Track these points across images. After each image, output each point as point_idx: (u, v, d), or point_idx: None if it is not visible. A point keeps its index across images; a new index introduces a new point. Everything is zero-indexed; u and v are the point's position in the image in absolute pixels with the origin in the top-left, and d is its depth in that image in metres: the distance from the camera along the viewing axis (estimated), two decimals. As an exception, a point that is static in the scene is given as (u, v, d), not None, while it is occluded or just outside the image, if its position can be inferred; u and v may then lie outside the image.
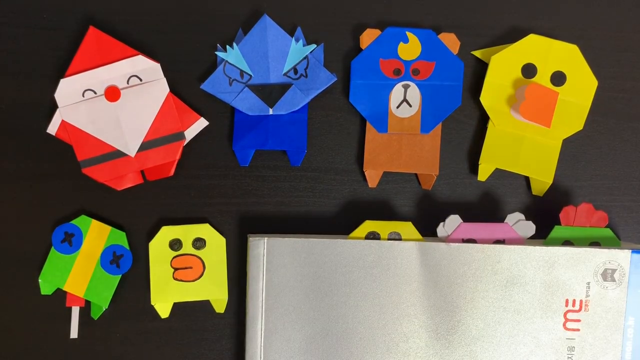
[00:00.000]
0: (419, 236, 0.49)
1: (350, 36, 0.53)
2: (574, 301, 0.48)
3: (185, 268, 0.51)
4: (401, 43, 0.51)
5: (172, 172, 0.51)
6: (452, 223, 0.49)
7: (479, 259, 0.48)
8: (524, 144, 0.51)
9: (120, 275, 0.51)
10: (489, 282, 0.48)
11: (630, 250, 0.47)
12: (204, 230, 0.51)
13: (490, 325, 0.48)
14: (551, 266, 0.48)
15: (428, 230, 0.50)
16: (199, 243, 0.51)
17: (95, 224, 0.51)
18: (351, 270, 0.48)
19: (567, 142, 0.52)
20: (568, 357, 0.48)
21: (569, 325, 0.48)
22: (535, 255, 0.48)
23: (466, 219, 0.49)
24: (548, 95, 0.49)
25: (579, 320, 0.48)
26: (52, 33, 0.52)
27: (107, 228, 0.51)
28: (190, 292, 0.51)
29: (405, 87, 0.51)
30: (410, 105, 0.51)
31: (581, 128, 0.51)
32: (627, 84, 0.53)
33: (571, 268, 0.48)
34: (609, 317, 0.48)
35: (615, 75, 0.53)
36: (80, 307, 0.51)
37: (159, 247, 0.51)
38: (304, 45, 0.51)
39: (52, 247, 0.51)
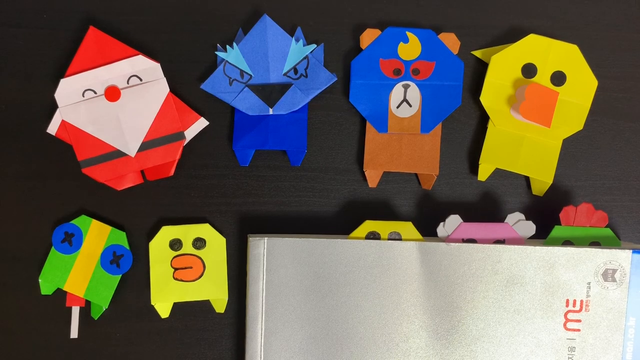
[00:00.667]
0: (419, 236, 0.49)
1: (350, 36, 0.53)
2: (574, 301, 0.48)
3: (185, 268, 0.51)
4: (401, 43, 0.51)
5: (172, 172, 0.51)
6: (452, 223, 0.49)
7: (479, 259, 0.48)
8: (524, 144, 0.51)
9: (120, 275, 0.51)
10: (489, 282, 0.48)
11: (631, 251, 0.47)
12: (204, 230, 0.51)
13: (490, 325, 0.48)
14: (551, 266, 0.48)
15: (428, 230, 0.50)
16: (199, 243, 0.51)
17: (95, 224, 0.51)
18: (351, 270, 0.48)
19: (567, 142, 0.52)
20: (569, 357, 0.48)
21: (570, 325, 0.48)
22: (535, 255, 0.48)
23: (466, 219, 0.49)
24: (548, 95, 0.49)
25: (579, 321, 0.48)
26: (52, 33, 0.52)
27: (107, 228, 0.51)
28: (190, 292, 0.51)
29: (405, 87, 0.51)
30: (410, 105, 0.51)
31: (581, 128, 0.51)
32: (627, 84, 0.53)
33: (572, 268, 0.48)
34: (610, 317, 0.48)
35: (615, 75, 0.53)
36: (80, 307, 0.51)
37: (159, 247, 0.51)
38: (304, 45, 0.51)
39: (52, 247, 0.51)
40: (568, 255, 0.48)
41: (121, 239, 0.51)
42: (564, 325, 0.48)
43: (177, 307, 0.52)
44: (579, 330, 0.48)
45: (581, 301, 0.48)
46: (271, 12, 0.52)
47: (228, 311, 0.52)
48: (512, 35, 0.52)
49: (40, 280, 0.51)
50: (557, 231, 0.49)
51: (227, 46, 0.51)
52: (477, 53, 0.53)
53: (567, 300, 0.48)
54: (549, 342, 0.48)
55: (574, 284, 0.48)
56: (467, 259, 0.48)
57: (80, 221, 0.51)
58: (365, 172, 0.51)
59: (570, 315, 0.48)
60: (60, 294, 0.51)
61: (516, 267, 0.48)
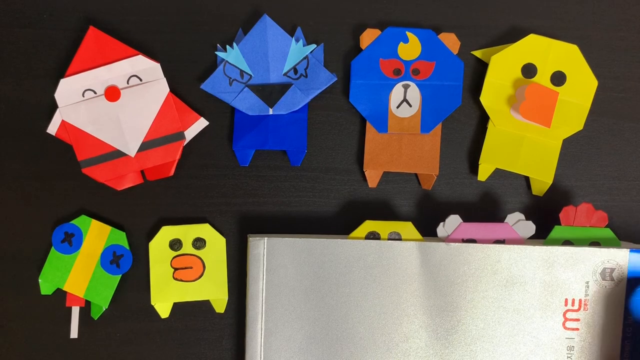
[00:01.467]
0: (419, 236, 0.49)
1: (350, 36, 0.53)
2: (573, 300, 0.48)
3: (185, 268, 0.51)
4: (401, 43, 0.51)
5: (172, 172, 0.51)
6: (452, 223, 0.49)
7: (479, 258, 0.48)
8: (524, 144, 0.51)
9: (120, 275, 0.51)
10: (489, 282, 0.48)
11: (629, 250, 0.47)
12: (204, 230, 0.51)
13: (490, 325, 0.48)
14: (550, 265, 0.48)
15: (428, 230, 0.50)
16: (199, 243, 0.51)
17: (95, 224, 0.51)
18: (351, 270, 0.48)
19: (567, 142, 0.52)
20: (568, 357, 0.48)
21: (569, 324, 0.48)
22: (534, 255, 0.48)
23: (466, 219, 0.49)
24: (548, 95, 0.49)
25: (578, 320, 0.48)
26: (52, 33, 0.52)
27: (107, 228, 0.51)
28: (190, 292, 0.51)
29: (405, 87, 0.51)
30: (410, 105, 0.51)
31: (581, 128, 0.51)
32: (627, 84, 0.53)
33: (570, 267, 0.48)
34: (608, 316, 0.48)
35: (615, 75, 0.53)
36: (80, 307, 0.51)
37: (159, 247, 0.51)
38: (304, 45, 0.51)
39: (52, 247, 0.51)
40: (567, 255, 0.48)
41: (121, 239, 0.51)
42: (563, 324, 0.48)
43: (177, 307, 0.52)
44: (577, 329, 0.48)
45: (580, 300, 0.48)
46: (271, 12, 0.52)
47: (228, 311, 0.52)
48: (512, 35, 0.52)
49: (40, 280, 0.51)
50: (556, 231, 0.49)
51: (227, 46, 0.51)
52: (477, 53, 0.53)
53: (566, 300, 0.48)
54: (548, 342, 0.48)
55: (572, 283, 0.48)
56: (467, 259, 0.48)
57: (80, 221, 0.51)
58: (365, 172, 0.51)
59: (569, 315, 0.48)
60: (60, 294, 0.51)
61: (515, 267, 0.48)
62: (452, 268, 0.48)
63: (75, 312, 0.51)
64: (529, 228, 0.49)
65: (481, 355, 0.48)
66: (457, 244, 0.48)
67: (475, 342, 0.48)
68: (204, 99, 0.52)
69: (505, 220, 0.49)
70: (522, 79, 0.51)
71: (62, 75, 0.50)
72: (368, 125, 0.51)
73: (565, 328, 0.48)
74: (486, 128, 0.52)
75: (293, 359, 0.48)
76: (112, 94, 0.50)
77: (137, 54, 0.50)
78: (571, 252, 0.48)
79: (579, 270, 0.48)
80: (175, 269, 0.51)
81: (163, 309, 0.51)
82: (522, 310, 0.48)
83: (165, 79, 0.50)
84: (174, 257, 0.51)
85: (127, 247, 0.51)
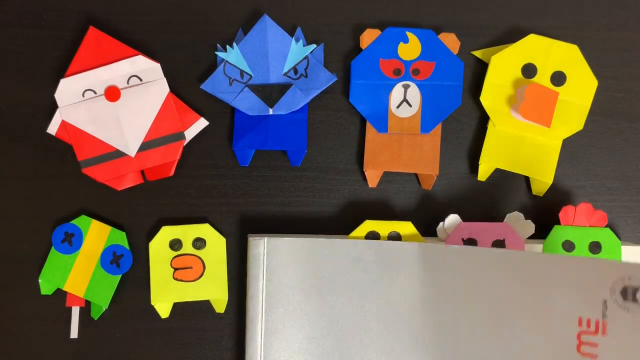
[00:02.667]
0: (419, 236, 0.49)
1: (350, 36, 0.53)
2: (588, 321, 0.41)
3: (185, 268, 0.51)
4: (401, 43, 0.51)
5: (172, 172, 0.51)
6: (452, 223, 0.49)
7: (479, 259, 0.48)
8: (524, 144, 0.51)
9: (120, 275, 0.51)
10: (490, 281, 0.48)
11: None
12: (204, 230, 0.51)
13: (489, 324, 0.48)
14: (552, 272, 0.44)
15: (428, 230, 0.50)
16: (199, 243, 0.51)
17: (95, 224, 0.51)
18: (351, 270, 0.48)
19: (567, 142, 0.52)
20: None
21: (585, 349, 0.41)
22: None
23: (466, 219, 0.49)
24: (548, 95, 0.49)
25: (596, 345, 0.40)
26: (52, 33, 0.52)
27: (107, 228, 0.51)
28: (190, 292, 0.51)
29: (405, 87, 0.51)
30: (410, 105, 0.51)
31: (581, 128, 0.51)
32: (627, 84, 0.53)
33: (582, 280, 0.41)
34: (635, 344, 0.39)
35: (615, 75, 0.53)
36: (80, 307, 0.51)
37: (159, 247, 0.51)
38: (304, 45, 0.51)
39: (52, 247, 0.51)
40: (576, 264, 0.40)
41: (121, 239, 0.51)
42: (578, 348, 0.41)
43: (177, 307, 0.52)
44: (596, 356, 0.40)
45: (597, 322, 0.41)
46: (271, 12, 0.52)
47: (228, 311, 0.52)
48: (512, 35, 0.52)
49: (40, 280, 0.51)
50: (556, 231, 0.49)
51: (227, 46, 0.51)
52: (477, 53, 0.53)
53: (580, 319, 0.41)
54: (557, 343, 0.42)
55: (586, 300, 0.40)
56: (467, 259, 0.48)
57: (80, 221, 0.51)
58: (365, 172, 0.51)
59: (584, 338, 0.41)
60: (60, 294, 0.51)
61: (517, 267, 0.47)
62: (453, 268, 0.48)
63: (75, 312, 0.51)
64: (529, 228, 0.49)
65: (481, 354, 0.48)
66: (457, 246, 0.48)
67: (476, 342, 0.48)
68: (204, 99, 0.52)
69: (505, 220, 0.49)
70: (522, 79, 0.51)
71: (62, 75, 0.50)
72: (368, 125, 0.51)
73: (581, 353, 0.41)
74: (486, 128, 0.52)
75: (293, 359, 0.48)
76: (112, 94, 0.50)
77: (137, 54, 0.50)
78: (581, 262, 0.40)
79: (593, 285, 0.40)
80: (175, 269, 0.50)
81: (163, 309, 0.51)
82: (527, 307, 0.45)
83: (165, 79, 0.50)
84: (174, 257, 0.51)
85: (127, 247, 0.51)
